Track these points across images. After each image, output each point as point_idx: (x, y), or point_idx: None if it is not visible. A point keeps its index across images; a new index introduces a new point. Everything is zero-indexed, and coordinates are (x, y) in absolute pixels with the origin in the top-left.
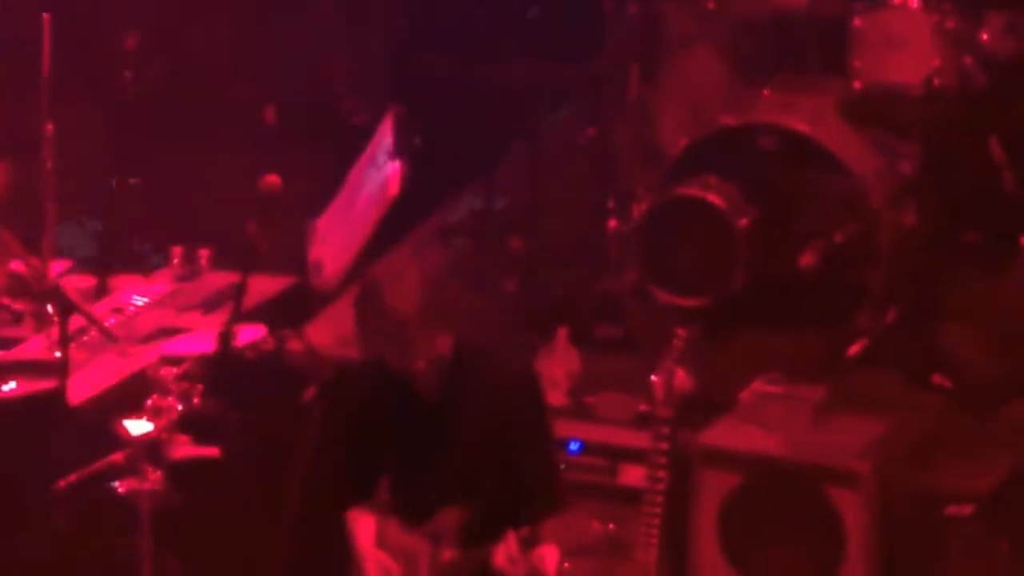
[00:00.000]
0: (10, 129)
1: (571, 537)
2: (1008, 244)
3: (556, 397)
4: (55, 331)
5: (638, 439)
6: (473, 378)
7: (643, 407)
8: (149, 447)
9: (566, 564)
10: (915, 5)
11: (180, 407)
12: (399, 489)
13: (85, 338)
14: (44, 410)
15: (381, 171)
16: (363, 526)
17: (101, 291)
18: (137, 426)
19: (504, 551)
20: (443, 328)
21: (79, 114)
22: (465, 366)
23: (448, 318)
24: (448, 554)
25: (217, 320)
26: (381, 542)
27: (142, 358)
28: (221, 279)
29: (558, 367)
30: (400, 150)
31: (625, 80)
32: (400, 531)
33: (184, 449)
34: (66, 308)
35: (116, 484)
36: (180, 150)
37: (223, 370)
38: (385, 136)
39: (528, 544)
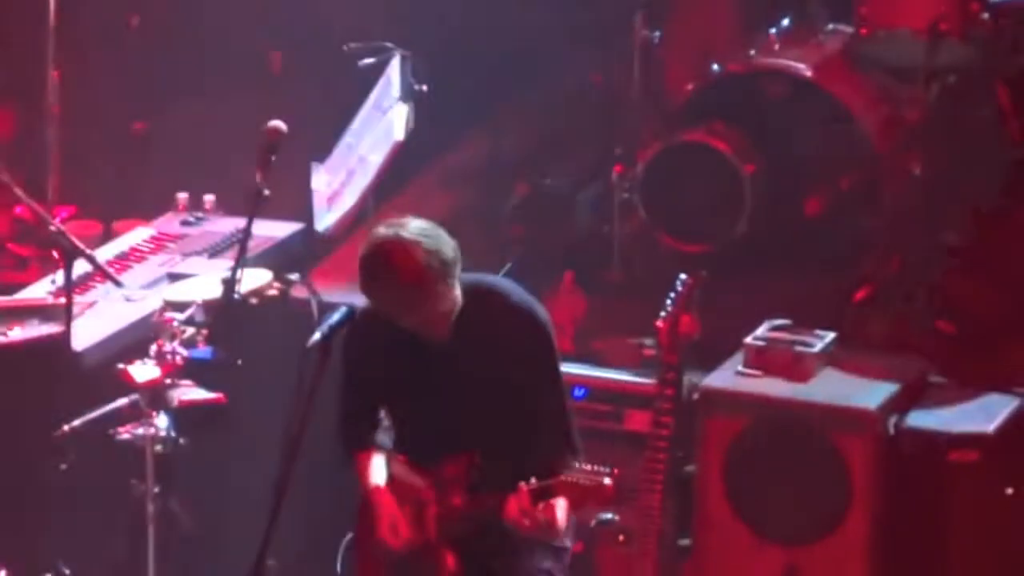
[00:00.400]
0: (17, 75)
1: (581, 492)
2: (1015, 191)
3: (562, 342)
4: (60, 276)
5: (643, 384)
6: (483, 324)
7: (648, 351)
8: (154, 393)
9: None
10: None
11: (185, 352)
12: (408, 432)
13: (90, 283)
14: (49, 355)
15: (386, 115)
16: (371, 470)
17: (106, 236)
18: (142, 371)
19: (516, 503)
20: (448, 288)
21: (85, 61)
22: (476, 312)
23: (452, 278)
24: (457, 499)
25: (222, 266)
26: (389, 483)
27: (147, 304)
28: (226, 225)
29: (564, 312)
30: (405, 95)
31: (631, 26)
32: (408, 473)
33: (189, 395)
34: (71, 253)
35: (121, 429)
36: (185, 96)
37: (228, 316)
38: (390, 81)
39: (539, 497)
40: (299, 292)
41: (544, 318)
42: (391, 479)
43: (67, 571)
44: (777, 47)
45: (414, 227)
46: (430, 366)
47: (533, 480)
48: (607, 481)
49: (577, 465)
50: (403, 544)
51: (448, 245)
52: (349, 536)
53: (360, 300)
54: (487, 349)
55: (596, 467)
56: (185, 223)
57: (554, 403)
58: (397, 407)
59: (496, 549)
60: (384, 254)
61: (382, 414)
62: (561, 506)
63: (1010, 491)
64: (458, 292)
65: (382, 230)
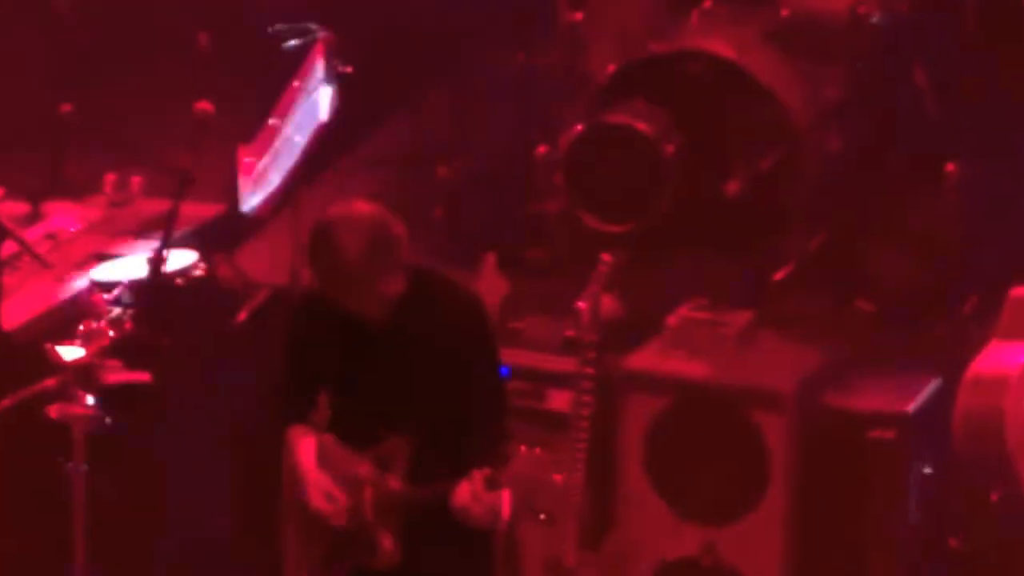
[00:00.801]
0: None
1: (532, 485)
2: (931, 167)
3: None
4: None
5: (565, 364)
6: (423, 308)
7: (570, 332)
8: (82, 372)
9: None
10: None
11: (112, 332)
12: (344, 414)
13: (18, 263)
14: None
15: (311, 98)
16: (304, 446)
17: (34, 217)
18: (70, 351)
19: (469, 488)
20: (394, 272)
21: (14, 41)
22: (416, 297)
23: (398, 262)
24: (394, 483)
25: (149, 246)
26: (323, 464)
27: (75, 284)
28: (153, 206)
29: (486, 292)
30: (329, 77)
31: (554, 6)
32: (344, 455)
33: (116, 374)
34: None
35: (49, 408)
36: (113, 77)
37: (155, 295)
38: (315, 63)
39: (490, 485)
40: (224, 272)
41: (484, 308)
42: (323, 458)
43: None
44: (699, 28)
45: (364, 209)
46: (371, 349)
47: (486, 468)
48: (555, 478)
49: (507, 451)
50: (339, 511)
51: (395, 229)
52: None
53: (280, 282)
54: (428, 335)
55: (529, 448)
56: (113, 204)
57: (492, 391)
58: (336, 388)
59: (433, 534)
60: (333, 232)
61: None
62: (506, 496)
63: (928, 471)
64: (401, 277)
65: (333, 210)
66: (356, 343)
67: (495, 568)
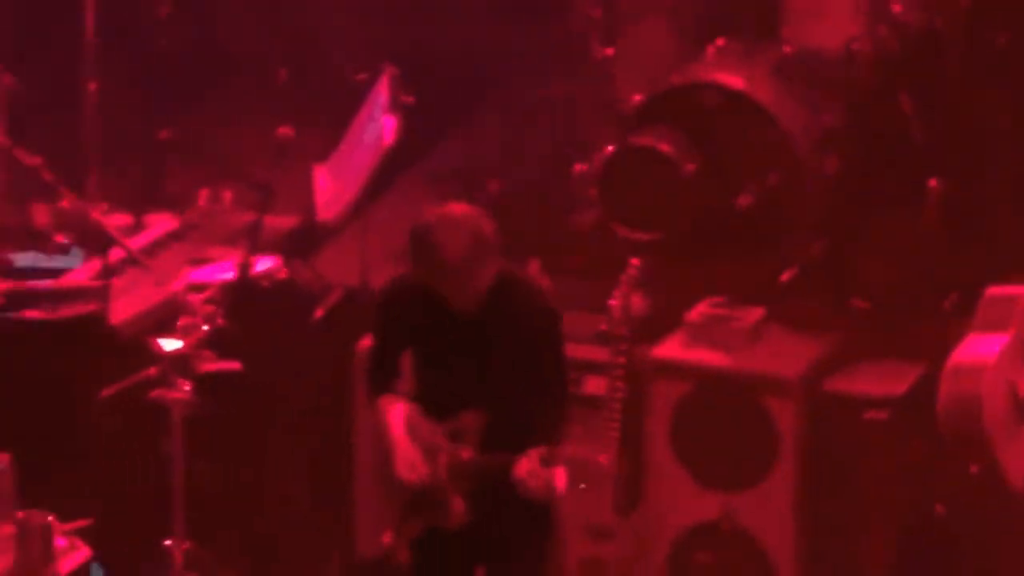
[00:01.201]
0: (58, 87)
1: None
2: (916, 184)
3: None
4: (98, 262)
5: (600, 353)
6: (507, 305)
7: (603, 326)
8: (179, 361)
9: (581, 485)
10: None
11: (206, 327)
12: (426, 387)
13: (124, 268)
14: (89, 330)
15: (377, 124)
16: (394, 414)
17: (138, 227)
18: (169, 343)
19: (527, 464)
20: (488, 266)
21: (119, 73)
22: (501, 292)
23: (492, 257)
24: (467, 453)
25: (237, 252)
26: (409, 431)
27: (173, 285)
28: (241, 217)
29: None
30: (393, 105)
31: (588, 44)
32: (424, 423)
33: (209, 363)
34: (107, 242)
35: (152, 394)
36: (206, 106)
37: (242, 295)
38: (381, 93)
39: (546, 463)
40: (302, 275)
41: (557, 312)
42: (410, 425)
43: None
44: (713, 62)
45: (462, 209)
46: (455, 333)
47: (543, 448)
48: (600, 459)
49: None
50: (420, 479)
51: (488, 227)
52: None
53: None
54: (507, 327)
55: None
56: (206, 215)
57: (556, 381)
58: (420, 364)
59: (499, 500)
60: (435, 232)
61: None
62: (561, 474)
63: (916, 447)
64: (493, 271)
65: (433, 211)
66: (442, 326)
67: (553, 532)
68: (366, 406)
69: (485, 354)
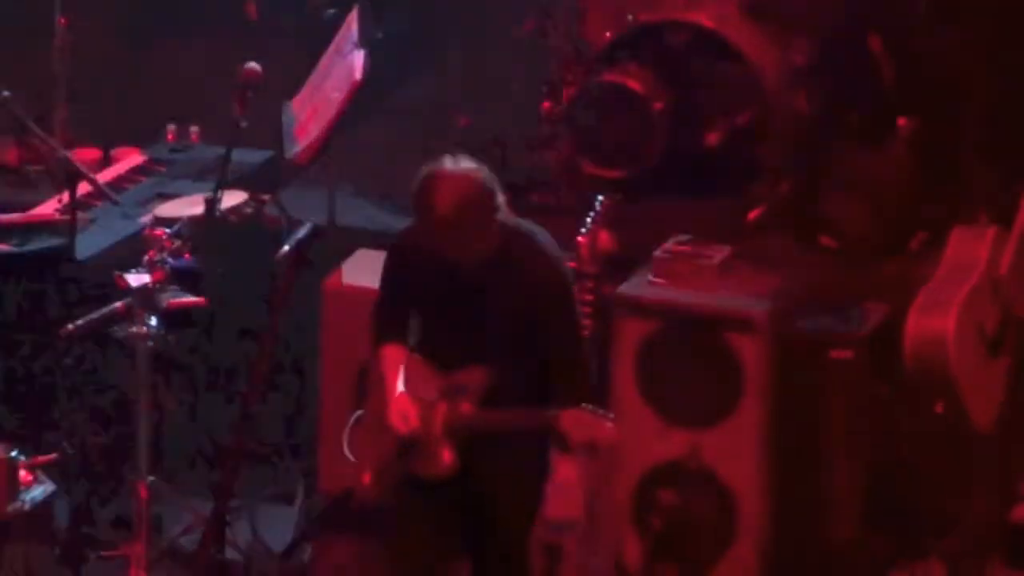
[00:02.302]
0: (28, 23)
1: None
2: (885, 124)
3: None
4: (66, 196)
5: None
6: (514, 262)
7: (572, 264)
8: (145, 296)
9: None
10: None
11: (172, 262)
12: (431, 339)
13: (91, 202)
14: (56, 264)
15: (346, 59)
16: (392, 363)
17: (105, 162)
18: (135, 278)
19: (573, 416)
20: (483, 230)
21: (88, 8)
22: (510, 250)
23: (488, 223)
24: (466, 406)
25: (205, 187)
26: (408, 381)
27: (140, 219)
28: (209, 152)
29: None
30: (363, 41)
31: None
32: (425, 374)
33: (175, 298)
34: (75, 176)
35: (117, 327)
36: (173, 40)
37: (209, 230)
38: (350, 29)
39: (594, 414)
40: (270, 210)
41: (566, 270)
42: (408, 375)
43: (71, 451)
44: (682, 1)
45: (465, 171)
46: (461, 289)
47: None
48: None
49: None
50: (410, 431)
51: (489, 194)
52: (358, 413)
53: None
54: (513, 285)
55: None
56: (173, 150)
57: (568, 347)
58: (426, 317)
59: (489, 454)
60: (433, 187)
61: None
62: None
63: (881, 386)
64: (492, 235)
65: (446, 162)
66: (447, 282)
67: (539, 488)
68: (332, 347)
69: (489, 313)
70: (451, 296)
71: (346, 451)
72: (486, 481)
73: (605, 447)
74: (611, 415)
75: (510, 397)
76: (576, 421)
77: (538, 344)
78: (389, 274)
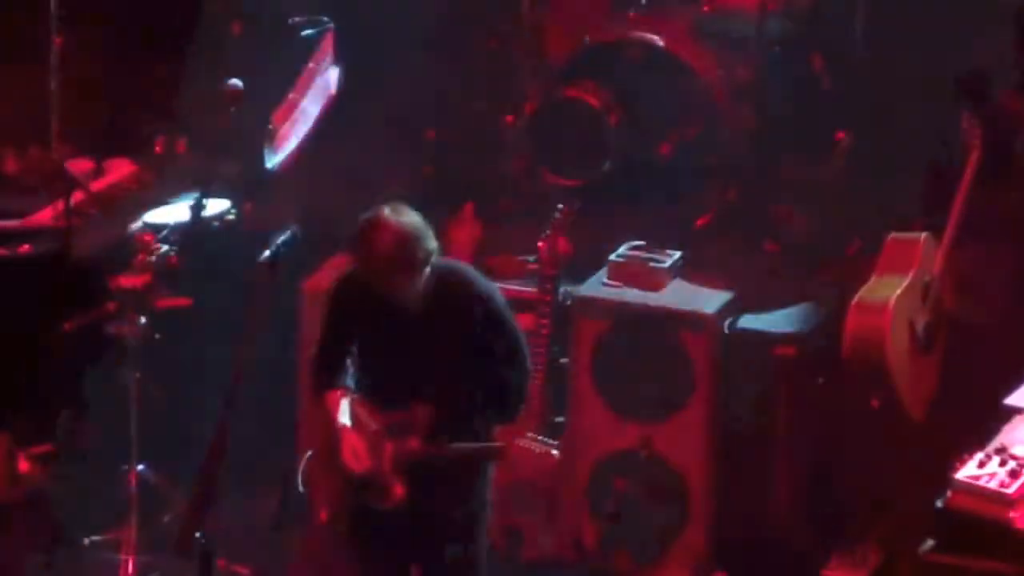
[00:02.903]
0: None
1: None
2: (825, 138)
3: (463, 257)
4: (61, 203)
5: (528, 292)
6: (448, 302)
7: (532, 266)
8: (136, 297)
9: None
10: None
11: (161, 265)
12: (372, 379)
13: (86, 209)
14: (52, 266)
15: (324, 75)
16: (339, 404)
17: (98, 172)
18: (127, 280)
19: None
20: (414, 276)
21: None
22: (443, 291)
23: (419, 270)
24: (414, 443)
25: (190, 195)
26: (355, 421)
27: (131, 225)
28: (194, 161)
29: (465, 234)
30: (339, 58)
31: (520, 5)
32: (369, 413)
33: (163, 299)
34: (70, 185)
35: (110, 326)
36: (164, 59)
37: (195, 235)
38: (327, 47)
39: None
40: (250, 217)
41: (499, 297)
42: (354, 416)
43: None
44: (636, 22)
45: (402, 220)
46: (400, 329)
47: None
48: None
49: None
50: (363, 469)
51: (432, 241)
52: (309, 453)
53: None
54: (448, 323)
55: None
56: (161, 160)
57: (518, 356)
58: (367, 358)
59: (435, 484)
60: (372, 232)
61: (349, 361)
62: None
63: (821, 380)
64: (421, 279)
65: (382, 211)
66: (388, 322)
67: (479, 513)
68: (309, 345)
69: (428, 349)
70: (393, 338)
71: (300, 487)
72: (434, 503)
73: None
74: (554, 446)
75: (453, 426)
76: (519, 453)
77: (478, 370)
78: (331, 316)
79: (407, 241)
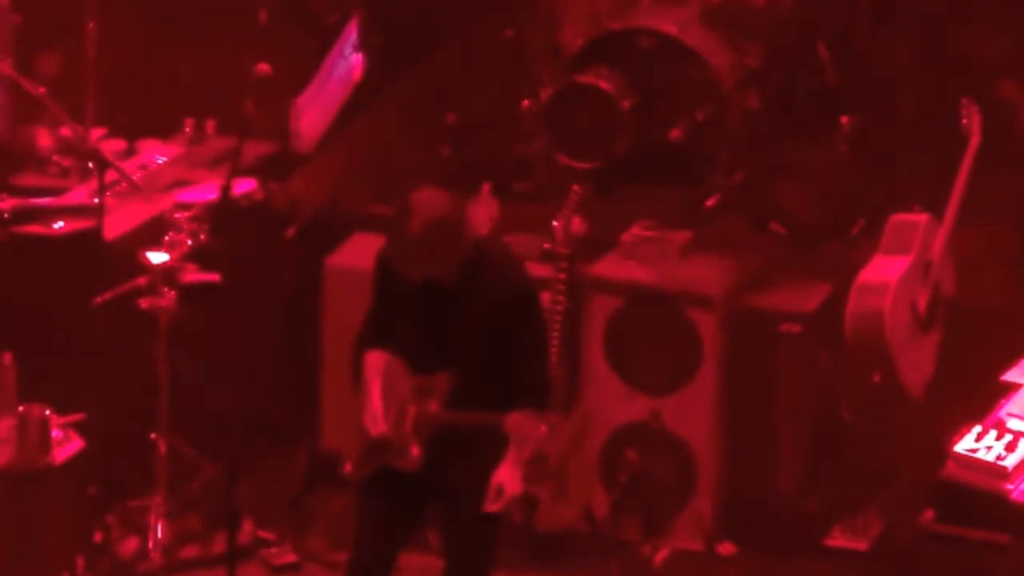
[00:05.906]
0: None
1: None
2: (829, 122)
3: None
4: (94, 182)
5: (543, 270)
6: (482, 281)
7: (547, 245)
8: (165, 273)
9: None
10: None
11: (190, 242)
12: (409, 345)
13: (118, 188)
14: (85, 244)
15: (347, 61)
16: (374, 370)
17: (130, 152)
18: (157, 256)
19: (514, 419)
20: (450, 256)
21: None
22: (477, 266)
23: (455, 251)
24: (434, 406)
25: (219, 175)
26: (385, 382)
27: (161, 204)
28: (223, 143)
29: (482, 214)
30: (362, 45)
31: None
32: (402, 377)
33: (192, 275)
34: (102, 164)
35: (140, 301)
36: (193, 43)
37: (223, 214)
38: (351, 33)
39: (536, 419)
40: (277, 197)
41: (532, 286)
42: (386, 376)
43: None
44: (648, 9)
45: (445, 208)
46: (435, 300)
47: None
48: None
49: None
50: (378, 433)
51: (466, 229)
52: None
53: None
54: (481, 298)
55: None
56: (191, 142)
57: (530, 357)
58: (406, 326)
59: (452, 450)
60: (407, 215)
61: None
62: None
63: (825, 357)
64: (465, 251)
65: (419, 194)
66: (422, 293)
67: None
68: (332, 321)
69: (458, 324)
70: (425, 306)
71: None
72: (448, 472)
73: (537, 445)
74: (551, 419)
75: (474, 399)
76: (516, 423)
77: (502, 352)
78: (376, 285)
79: (442, 221)
